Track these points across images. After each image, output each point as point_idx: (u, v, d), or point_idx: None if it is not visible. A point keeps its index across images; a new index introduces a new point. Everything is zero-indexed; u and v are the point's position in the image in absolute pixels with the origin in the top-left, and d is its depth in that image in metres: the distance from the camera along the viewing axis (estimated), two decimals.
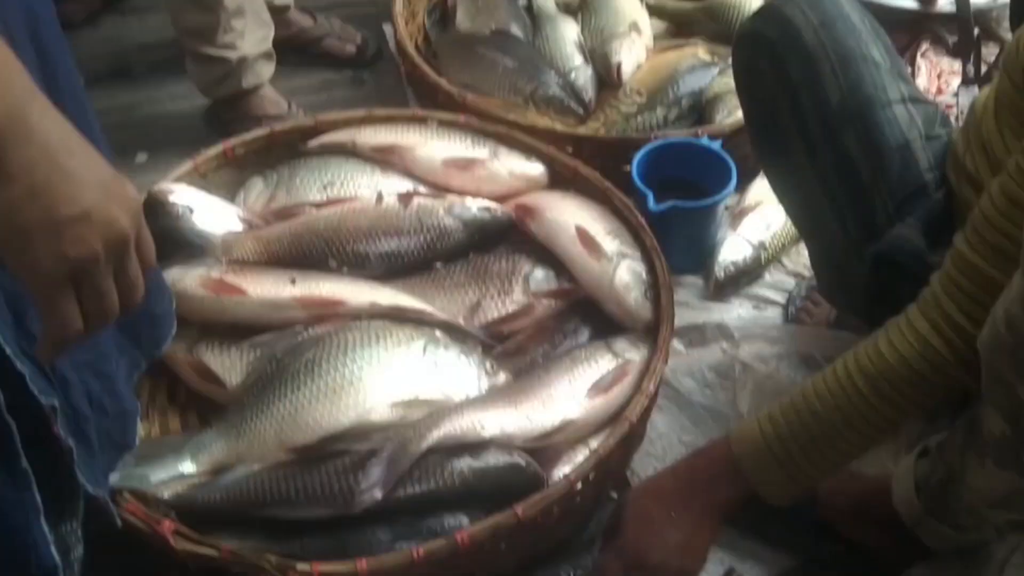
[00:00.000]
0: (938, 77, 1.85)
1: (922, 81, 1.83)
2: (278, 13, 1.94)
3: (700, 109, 1.74)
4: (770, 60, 1.17)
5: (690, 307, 1.53)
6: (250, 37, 1.76)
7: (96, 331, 0.70)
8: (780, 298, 1.56)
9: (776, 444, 0.96)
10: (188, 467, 1.17)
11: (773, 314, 1.54)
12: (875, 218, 1.12)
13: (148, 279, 1.05)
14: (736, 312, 1.53)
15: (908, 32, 1.94)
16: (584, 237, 1.38)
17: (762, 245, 1.57)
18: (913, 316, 0.91)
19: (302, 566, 1.05)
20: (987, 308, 0.82)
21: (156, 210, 1.37)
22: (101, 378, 0.98)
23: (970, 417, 0.92)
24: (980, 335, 0.80)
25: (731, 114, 1.66)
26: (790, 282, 1.58)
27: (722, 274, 1.53)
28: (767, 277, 1.59)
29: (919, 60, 1.87)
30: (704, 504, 1.02)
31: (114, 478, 1.08)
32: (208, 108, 1.91)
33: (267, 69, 1.83)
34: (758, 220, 1.58)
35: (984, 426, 0.87)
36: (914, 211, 1.08)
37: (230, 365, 1.29)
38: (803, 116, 1.15)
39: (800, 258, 1.60)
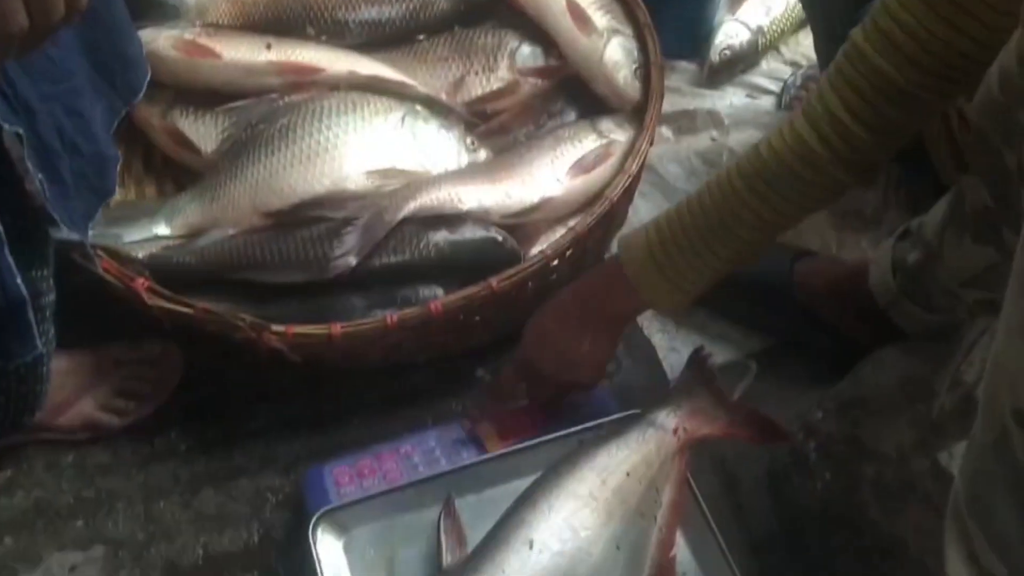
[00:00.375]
0: None
1: None
2: None
3: None
4: None
5: (681, 93, 1.48)
6: None
7: (42, 31, 0.67)
8: (775, 87, 1.51)
9: (659, 250, 0.91)
10: (162, 229, 1.17)
11: (767, 103, 1.49)
12: None
13: (115, 16, 1.00)
14: (729, 100, 1.48)
15: None
16: (575, 10, 1.31)
17: (760, 30, 1.50)
18: (794, 117, 0.84)
19: (276, 327, 1.06)
20: (868, 102, 0.78)
21: None
22: (73, 116, 0.96)
23: (953, 193, 0.91)
24: (973, 100, 0.77)
25: None
26: (786, 71, 1.52)
27: (717, 59, 1.48)
28: (763, 65, 1.54)
29: None
30: (600, 317, 0.99)
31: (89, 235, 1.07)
32: None
33: None
34: (758, 5, 1.52)
35: (967, 200, 0.86)
36: None
37: (204, 132, 1.27)
38: None
39: (798, 47, 1.54)
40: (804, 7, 1.29)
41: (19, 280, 0.86)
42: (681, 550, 0.93)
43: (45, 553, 1.11)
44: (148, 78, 1.15)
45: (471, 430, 1.09)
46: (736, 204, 0.86)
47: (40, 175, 0.90)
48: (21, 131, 0.84)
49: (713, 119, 1.44)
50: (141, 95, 1.14)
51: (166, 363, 1.20)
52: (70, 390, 1.14)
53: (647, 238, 0.92)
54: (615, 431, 0.96)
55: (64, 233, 1.04)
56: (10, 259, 0.83)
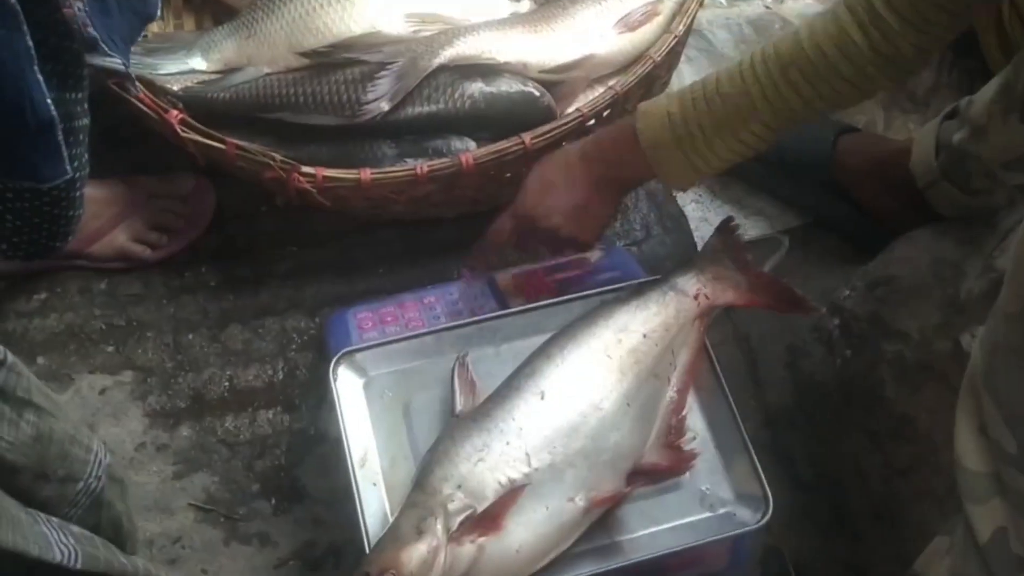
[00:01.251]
0: None
1: None
2: None
3: None
4: None
5: None
6: None
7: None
8: None
9: (680, 123, 0.88)
10: (198, 63, 1.16)
11: None
12: None
13: None
14: None
15: None
16: None
17: None
18: (838, 8, 0.81)
19: (307, 169, 1.06)
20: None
21: None
22: None
23: (1006, 73, 0.87)
24: None
25: None
26: None
27: None
28: None
29: None
30: (605, 177, 0.96)
31: (116, 61, 1.06)
32: None
33: None
34: None
35: (1018, 81, 0.82)
36: None
37: None
38: None
39: None
40: None
41: (49, 100, 0.85)
42: (694, 414, 0.93)
43: (76, 375, 1.16)
44: None
45: (487, 283, 1.09)
46: (768, 90, 0.83)
47: None
48: None
49: None
50: None
51: (199, 199, 1.21)
52: (104, 219, 1.16)
53: (668, 110, 0.89)
54: (636, 292, 0.96)
55: (100, 60, 1.04)
56: (39, 76, 0.83)
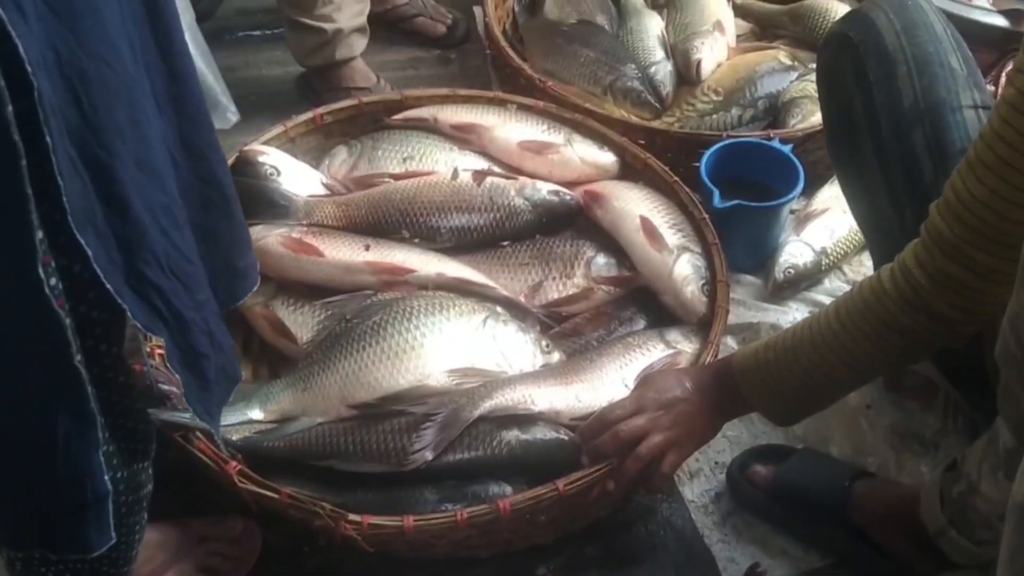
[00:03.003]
0: None
1: None
2: None
3: (775, 112, 1.76)
4: (851, 60, 1.20)
5: (746, 306, 1.55)
6: (347, 10, 1.83)
7: None
8: None
9: (763, 356, 1.09)
10: (256, 414, 1.25)
11: None
12: None
13: (235, 232, 1.11)
14: (792, 315, 1.55)
15: (997, 49, 1.92)
16: (647, 227, 1.42)
17: (824, 251, 1.58)
18: (883, 266, 1.02)
19: (354, 517, 1.12)
20: (934, 257, 0.95)
21: (246, 169, 1.45)
22: (214, 317, 1.03)
23: (992, 429, 0.95)
24: (996, 348, 0.83)
25: (805, 119, 1.68)
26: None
27: (781, 276, 1.56)
28: (826, 283, 1.61)
29: (1004, 78, 1.85)
30: (709, 398, 1.14)
31: (187, 417, 1.16)
32: (301, 76, 1.99)
33: (360, 42, 1.90)
34: (822, 226, 1.60)
35: (999, 439, 0.90)
36: None
37: (302, 321, 1.38)
38: (875, 113, 1.19)
39: (861, 268, 1.61)
40: (864, 235, 1.37)
41: (107, 477, 0.90)
42: None
43: None
44: (255, 288, 1.19)
45: None
46: (825, 330, 1.04)
47: (183, 374, 0.97)
48: (164, 339, 0.93)
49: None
50: (238, 303, 1.20)
51: (246, 541, 1.26)
52: (156, 564, 1.20)
53: (754, 349, 1.11)
54: None
55: (169, 415, 1.14)
56: (102, 460, 0.88)
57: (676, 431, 1.13)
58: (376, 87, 1.92)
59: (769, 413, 1.14)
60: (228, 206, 1.06)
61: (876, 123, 1.18)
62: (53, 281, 0.78)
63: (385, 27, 2.10)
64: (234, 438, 1.21)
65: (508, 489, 1.19)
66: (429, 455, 1.17)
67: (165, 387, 1.18)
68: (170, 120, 0.92)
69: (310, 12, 1.81)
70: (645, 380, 1.21)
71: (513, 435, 1.22)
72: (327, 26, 1.83)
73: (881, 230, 1.26)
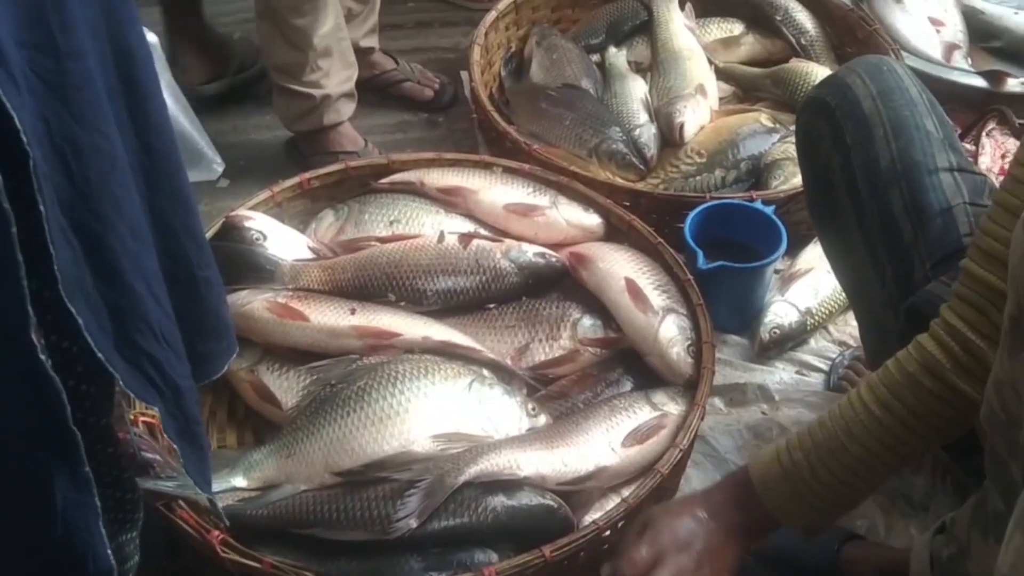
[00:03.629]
0: (1002, 157, 1.85)
1: (985, 160, 1.84)
2: (363, 55, 2.04)
3: (757, 173, 1.78)
4: (829, 124, 1.22)
5: (733, 366, 1.56)
6: (335, 76, 1.86)
7: None
8: (823, 365, 1.58)
9: (785, 452, 0.98)
10: (240, 481, 1.24)
11: (815, 380, 1.56)
12: (913, 276, 1.15)
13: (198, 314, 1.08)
14: (779, 375, 1.55)
15: (976, 110, 1.95)
16: (633, 289, 1.43)
17: (809, 311, 1.59)
18: (918, 336, 0.96)
19: None
20: (981, 311, 0.89)
21: (232, 234, 1.46)
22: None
23: (981, 492, 0.95)
24: (981, 411, 0.83)
25: (787, 181, 1.70)
26: (834, 350, 1.60)
27: (767, 336, 1.56)
28: (812, 343, 1.61)
29: (984, 139, 1.88)
30: (729, 524, 1.02)
31: (170, 485, 1.15)
32: (289, 140, 2.01)
33: (348, 108, 1.93)
34: (807, 286, 1.61)
35: (988, 502, 0.89)
36: (949, 271, 1.11)
37: (287, 386, 1.37)
38: (854, 176, 1.20)
39: (847, 327, 1.62)
40: (847, 295, 1.38)
41: (109, 551, 0.89)
42: None
43: None
44: (213, 376, 1.13)
45: None
46: (865, 417, 0.95)
47: (179, 443, 0.97)
48: (158, 409, 0.92)
49: (763, 393, 1.51)
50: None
51: None
52: None
53: (777, 453, 1.00)
54: None
55: (152, 484, 1.13)
56: (103, 530, 0.88)
57: (703, 573, 1.00)
58: (364, 151, 1.94)
59: (800, 523, 1.01)
60: (196, 288, 1.03)
61: (854, 185, 1.20)
62: (43, 357, 0.78)
63: (374, 92, 2.13)
64: (218, 506, 1.20)
65: (494, 556, 1.18)
66: (414, 522, 1.16)
67: (148, 455, 1.18)
68: (140, 192, 0.93)
69: (299, 79, 1.83)
70: (651, 521, 1.04)
71: (499, 501, 1.21)
72: (316, 92, 1.85)
73: (863, 290, 1.27)
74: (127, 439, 1.18)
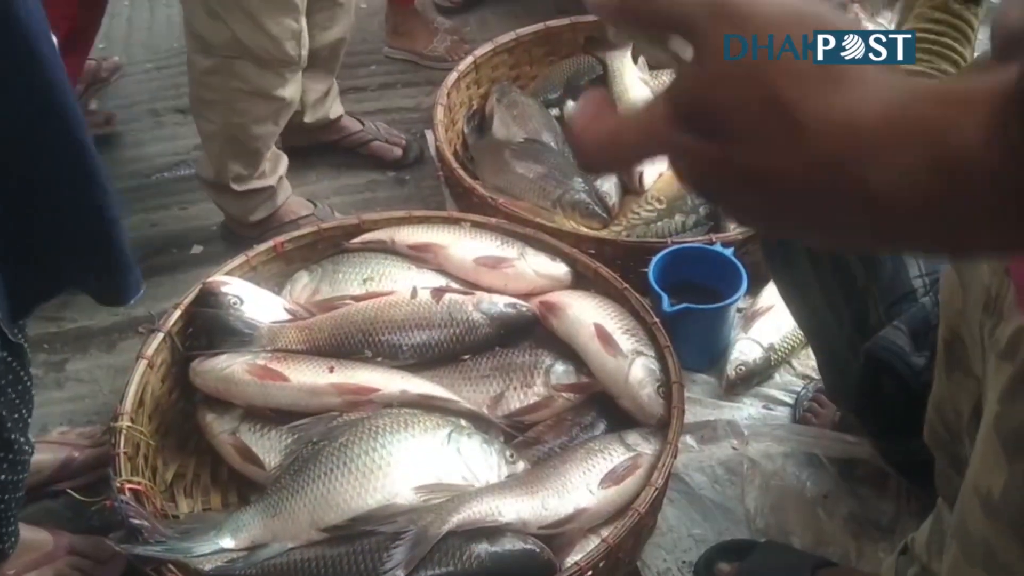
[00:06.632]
0: None
1: None
2: (333, 124, 2.09)
3: (715, 217, 1.85)
4: None
5: (702, 404, 1.60)
6: (275, 162, 1.91)
7: None
8: (789, 399, 1.63)
9: None
10: (227, 542, 1.26)
11: (782, 414, 1.61)
12: (868, 318, 1.21)
13: None
14: (747, 411, 1.60)
15: None
16: (602, 334, 1.48)
17: (772, 347, 1.65)
18: None
19: None
20: None
21: (210, 300, 1.50)
22: None
23: (936, 510, 1.00)
24: (924, 432, 0.88)
25: None
26: (798, 384, 1.65)
27: (733, 373, 1.61)
28: (777, 378, 1.67)
29: None
30: None
31: (158, 549, 1.17)
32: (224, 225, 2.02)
33: (286, 181, 1.96)
34: (769, 323, 1.67)
35: (943, 519, 0.95)
36: (903, 313, 1.17)
37: (270, 446, 1.40)
38: None
39: (809, 361, 1.67)
40: (806, 336, 1.44)
41: None
42: None
43: None
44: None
45: None
46: None
47: None
48: None
49: (733, 429, 1.55)
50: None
51: (111, 566, 1.31)
52: (20, 563, 1.25)
53: None
54: None
55: (139, 549, 1.16)
56: None
57: None
58: (316, 211, 1.97)
59: None
60: None
61: None
62: None
63: (342, 153, 2.19)
64: (207, 568, 1.22)
65: None
66: (401, 574, 1.19)
67: (136, 521, 1.20)
68: None
69: (250, 179, 1.88)
70: None
71: (483, 548, 1.24)
72: (268, 182, 1.90)
73: (821, 331, 1.32)
74: (114, 507, 1.22)
